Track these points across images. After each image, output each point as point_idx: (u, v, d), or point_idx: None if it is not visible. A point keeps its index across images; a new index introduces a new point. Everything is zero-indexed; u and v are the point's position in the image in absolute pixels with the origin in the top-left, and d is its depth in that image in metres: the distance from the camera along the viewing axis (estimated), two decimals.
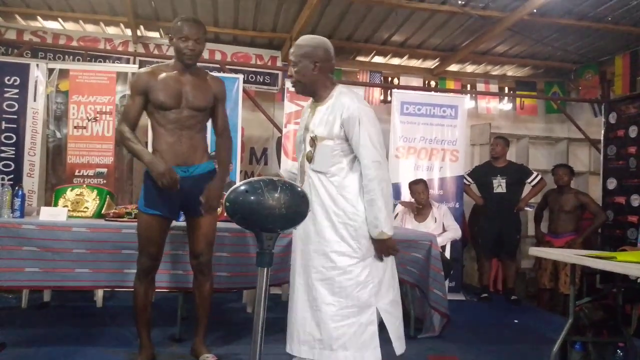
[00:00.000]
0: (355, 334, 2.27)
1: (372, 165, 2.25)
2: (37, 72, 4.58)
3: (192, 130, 2.70)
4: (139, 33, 5.62)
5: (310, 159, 2.38)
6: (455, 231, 4.59)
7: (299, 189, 1.87)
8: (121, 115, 2.74)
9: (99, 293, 4.09)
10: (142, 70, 2.77)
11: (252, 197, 1.75)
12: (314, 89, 2.41)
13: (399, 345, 2.36)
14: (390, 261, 2.41)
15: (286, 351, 2.43)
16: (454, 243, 4.76)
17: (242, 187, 1.76)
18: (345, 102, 2.31)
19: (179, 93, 2.66)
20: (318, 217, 2.34)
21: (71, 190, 3.58)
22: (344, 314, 2.28)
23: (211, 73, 2.90)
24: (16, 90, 4.54)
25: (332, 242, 2.31)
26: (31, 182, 4.50)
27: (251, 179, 1.82)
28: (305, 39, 2.42)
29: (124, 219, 3.30)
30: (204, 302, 2.86)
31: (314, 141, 2.36)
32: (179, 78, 2.68)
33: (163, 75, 2.68)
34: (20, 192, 3.19)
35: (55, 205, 3.51)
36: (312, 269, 2.34)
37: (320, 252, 2.33)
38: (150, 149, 2.98)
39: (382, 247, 2.32)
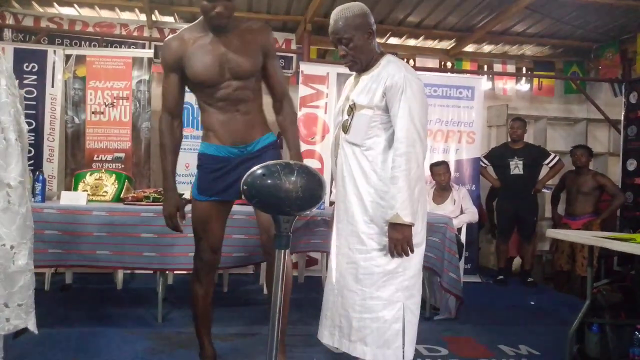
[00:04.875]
0: (379, 330, 2.08)
1: (406, 140, 2.01)
2: (55, 58, 4.63)
3: (246, 103, 2.26)
4: (153, 18, 5.62)
5: (345, 128, 2.17)
6: (472, 215, 4.60)
7: (315, 172, 1.88)
8: (162, 99, 2.33)
9: (119, 275, 4.17)
10: (170, 38, 2.25)
11: (269, 181, 1.76)
12: (369, 61, 2.16)
13: (410, 350, 2.13)
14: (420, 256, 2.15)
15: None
16: (470, 225, 4.75)
17: (259, 171, 1.77)
18: (392, 70, 2.08)
19: (220, 63, 2.18)
20: (349, 195, 2.15)
21: (90, 175, 3.64)
22: (367, 306, 2.09)
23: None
24: (34, 77, 4.59)
25: (361, 222, 2.11)
26: (51, 167, 4.58)
27: (268, 162, 1.83)
28: (347, 9, 2.11)
29: (143, 203, 3.35)
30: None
31: (351, 109, 2.15)
32: (215, 43, 2.18)
33: (196, 43, 2.19)
34: (40, 177, 3.25)
35: (75, 189, 3.58)
36: (339, 249, 2.19)
37: (348, 232, 2.15)
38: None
39: (396, 236, 2.02)
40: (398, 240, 2.02)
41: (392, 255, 2.06)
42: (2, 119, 1.71)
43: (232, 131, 2.26)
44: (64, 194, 3.27)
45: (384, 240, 2.08)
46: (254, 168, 1.79)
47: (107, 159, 4.68)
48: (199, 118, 2.46)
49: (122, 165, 4.63)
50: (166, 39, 2.28)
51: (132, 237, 3.15)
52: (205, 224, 2.32)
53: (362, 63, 2.16)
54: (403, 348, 2.09)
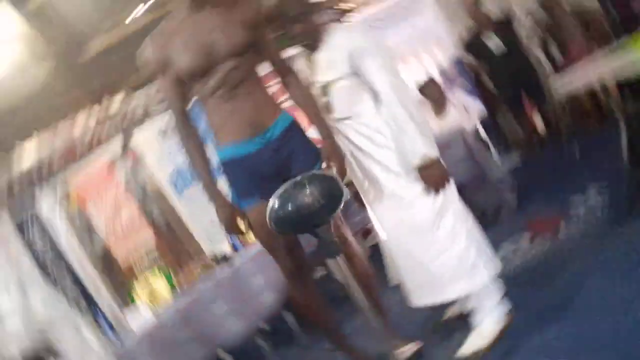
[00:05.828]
0: (459, 264, 2.04)
1: (391, 90, 2.02)
2: (44, 204, 4.56)
3: (244, 83, 1.95)
4: None
5: (329, 109, 2.14)
6: (477, 109, 4.54)
7: (325, 173, 1.88)
8: (167, 105, 2.09)
9: None
10: (149, 39, 1.96)
11: (288, 207, 1.77)
12: (323, 37, 2.15)
13: (492, 260, 2.14)
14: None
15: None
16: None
17: (275, 205, 1.77)
18: (344, 35, 2.12)
19: (206, 45, 1.88)
20: (364, 164, 2.13)
21: (137, 284, 3.68)
22: (435, 251, 2.06)
23: None
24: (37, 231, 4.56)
25: (388, 182, 2.10)
26: (99, 297, 4.56)
27: (276, 191, 1.81)
28: None
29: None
30: (358, 280, 2.22)
31: (325, 89, 2.13)
32: (197, 23, 1.91)
33: (177, 32, 1.91)
34: (99, 313, 3.29)
35: (133, 302, 3.63)
36: (381, 218, 2.18)
37: (381, 198, 2.13)
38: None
39: (431, 176, 2.03)
40: (434, 177, 2.03)
41: (435, 194, 2.06)
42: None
43: (242, 122, 1.95)
44: (130, 318, 3.30)
45: (417, 186, 2.07)
46: (270, 204, 1.78)
47: (143, 258, 4.68)
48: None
49: (158, 256, 4.63)
50: (146, 41, 1.96)
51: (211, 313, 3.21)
52: (267, 230, 1.94)
53: (318, 41, 2.15)
54: (488, 263, 2.10)
